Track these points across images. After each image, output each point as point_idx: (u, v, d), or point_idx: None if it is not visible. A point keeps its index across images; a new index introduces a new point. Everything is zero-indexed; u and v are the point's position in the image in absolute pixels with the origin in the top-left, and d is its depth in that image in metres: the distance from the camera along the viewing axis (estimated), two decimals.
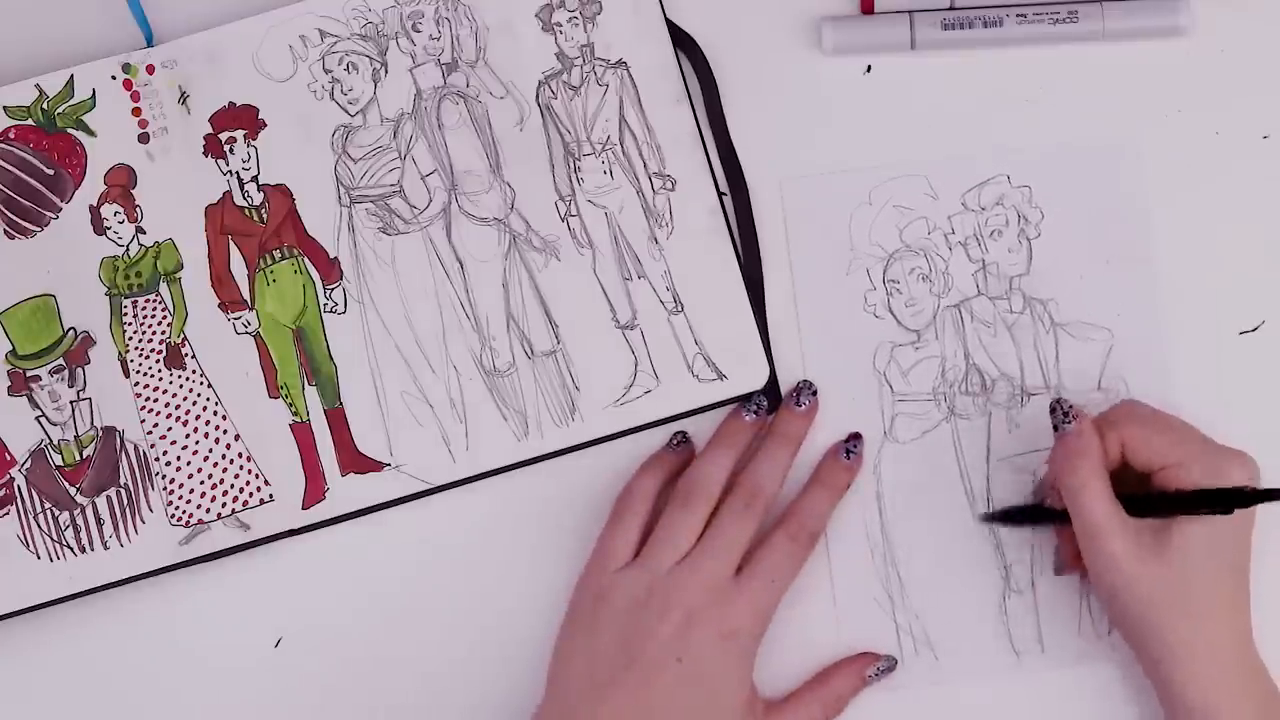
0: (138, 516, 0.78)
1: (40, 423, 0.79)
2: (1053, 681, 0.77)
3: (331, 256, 0.80)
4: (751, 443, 0.78)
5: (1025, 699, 0.77)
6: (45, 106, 0.80)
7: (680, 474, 0.77)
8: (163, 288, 0.80)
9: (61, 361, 0.79)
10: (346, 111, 0.80)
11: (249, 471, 0.79)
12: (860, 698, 0.77)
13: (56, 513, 0.78)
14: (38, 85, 0.80)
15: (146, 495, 0.78)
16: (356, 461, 0.79)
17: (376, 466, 0.79)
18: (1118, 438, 0.72)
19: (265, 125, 0.80)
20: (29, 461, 0.79)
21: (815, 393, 0.78)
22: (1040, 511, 0.75)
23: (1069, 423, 0.72)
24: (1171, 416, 0.74)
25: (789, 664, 0.76)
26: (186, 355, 0.79)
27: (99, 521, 0.78)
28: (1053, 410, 0.73)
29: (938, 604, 0.78)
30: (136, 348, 0.79)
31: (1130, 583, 0.70)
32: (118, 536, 0.78)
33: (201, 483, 0.78)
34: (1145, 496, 0.72)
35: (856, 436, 0.78)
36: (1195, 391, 0.77)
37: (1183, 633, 0.70)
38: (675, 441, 0.78)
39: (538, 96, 0.80)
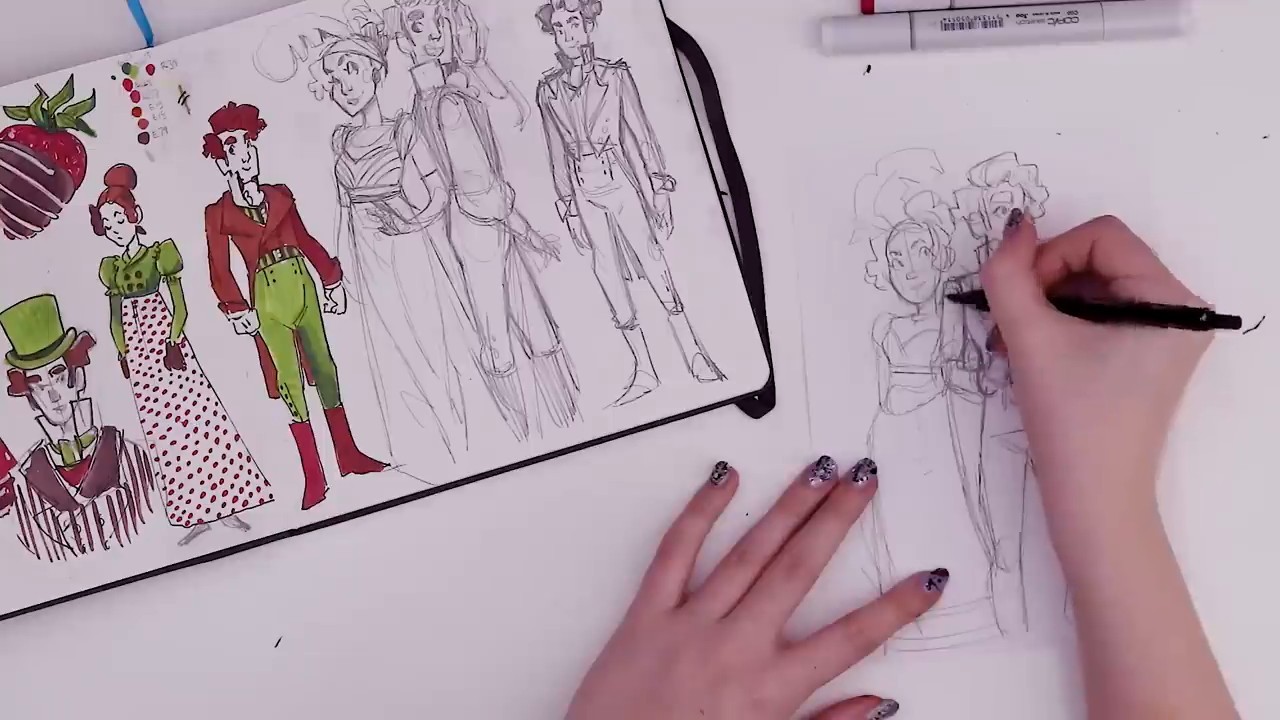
0: (138, 516, 0.78)
1: (40, 423, 0.79)
2: (1036, 659, 0.77)
3: (331, 256, 0.80)
4: (816, 507, 0.77)
5: (1009, 675, 0.77)
6: (45, 106, 0.80)
7: (722, 511, 0.77)
8: (163, 288, 0.80)
9: (61, 361, 0.79)
10: (346, 111, 0.80)
11: (249, 471, 0.78)
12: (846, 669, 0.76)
13: (56, 513, 0.78)
14: (38, 85, 0.80)
15: (146, 495, 0.78)
16: (356, 461, 0.79)
17: (376, 466, 0.79)
18: (1089, 237, 0.72)
19: (265, 125, 0.80)
20: (29, 461, 0.79)
21: (875, 470, 0.77)
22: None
23: (1013, 226, 0.73)
24: (1149, 249, 0.72)
25: None
26: (186, 355, 0.79)
27: (99, 521, 0.78)
28: (1010, 222, 0.74)
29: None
30: (136, 348, 0.79)
31: (1042, 372, 0.70)
32: (118, 536, 0.78)
33: (201, 483, 0.78)
34: (1089, 302, 0.71)
35: (943, 573, 0.77)
36: (1195, 387, 0.77)
37: (1083, 439, 0.69)
38: (716, 475, 0.78)
39: (538, 96, 0.80)
